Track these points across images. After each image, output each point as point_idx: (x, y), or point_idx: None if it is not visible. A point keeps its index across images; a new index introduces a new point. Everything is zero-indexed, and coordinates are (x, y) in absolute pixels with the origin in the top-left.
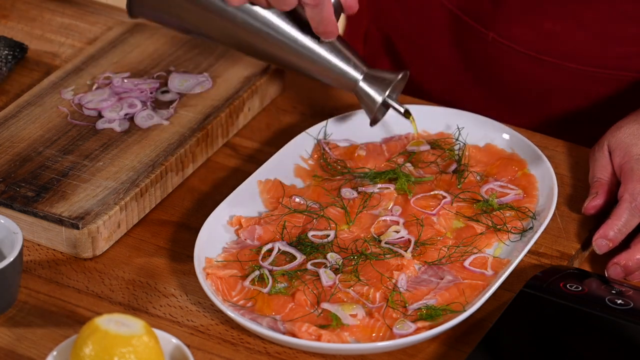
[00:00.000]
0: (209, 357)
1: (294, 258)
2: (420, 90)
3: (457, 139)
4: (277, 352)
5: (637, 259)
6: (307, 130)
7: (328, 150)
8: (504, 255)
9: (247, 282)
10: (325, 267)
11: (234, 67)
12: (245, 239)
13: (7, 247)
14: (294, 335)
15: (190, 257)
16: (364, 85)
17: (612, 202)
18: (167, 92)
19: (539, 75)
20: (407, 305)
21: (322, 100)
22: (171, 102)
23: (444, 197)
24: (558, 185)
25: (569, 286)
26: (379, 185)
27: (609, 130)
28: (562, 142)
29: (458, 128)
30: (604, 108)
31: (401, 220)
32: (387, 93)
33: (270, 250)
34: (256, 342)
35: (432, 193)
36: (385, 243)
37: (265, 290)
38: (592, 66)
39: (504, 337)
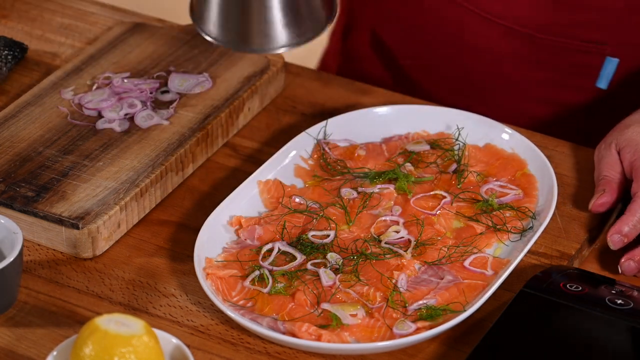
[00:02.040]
0: (209, 357)
1: (294, 258)
2: (390, 55)
3: (457, 139)
4: (277, 352)
5: None
6: (307, 130)
7: (328, 150)
8: (504, 255)
9: (247, 282)
10: (325, 267)
11: (234, 67)
12: (245, 239)
13: (7, 247)
14: (294, 335)
15: (190, 257)
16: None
17: (618, 201)
18: (167, 92)
19: (494, 39)
20: (407, 305)
21: (322, 100)
22: (171, 102)
23: (444, 197)
24: (558, 185)
25: (569, 286)
26: (379, 185)
27: (615, 128)
28: (562, 142)
29: (458, 128)
30: (555, 80)
31: (401, 220)
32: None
33: (270, 250)
34: (256, 342)
35: (432, 193)
36: (385, 243)
37: (265, 290)
38: (543, 33)
39: (504, 337)
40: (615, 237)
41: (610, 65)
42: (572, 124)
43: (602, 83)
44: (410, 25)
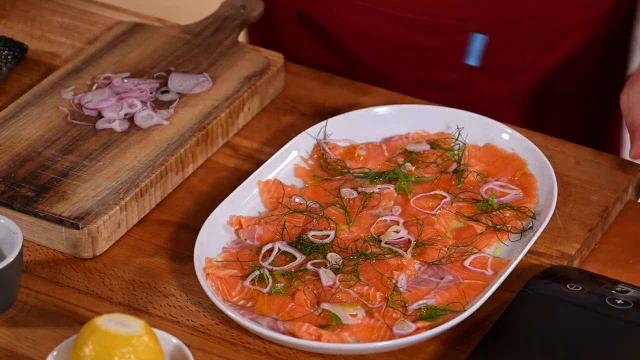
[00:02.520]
0: (209, 357)
1: (294, 258)
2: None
3: (456, 139)
4: (277, 352)
5: None
6: (307, 130)
7: (328, 150)
8: (504, 255)
9: (247, 282)
10: (325, 267)
11: (234, 67)
12: (245, 239)
13: (7, 247)
14: (294, 335)
15: (190, 257)
16: None
17: None
18: (167, 92)
19: (361, 23)
20: (407, 305)
21: (322, 100)
22: (171, 102)
23: (444, 197)
24: (558, 185)
25: (569, 286)
26: (379, 185)
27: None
28: (562, 141)
29: (458, 128)
30: (431, 60)
31: (401, 220)
32: None
33: (270, 250)
34: (256, 342)
35: (432, 193)
36: (385, 243)
37: (265, 290)
38: (410, 13)
39: (504, 337)
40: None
41: (478, 42)
42: (454, 104)
43: (472, 60)
44: (303, 13)
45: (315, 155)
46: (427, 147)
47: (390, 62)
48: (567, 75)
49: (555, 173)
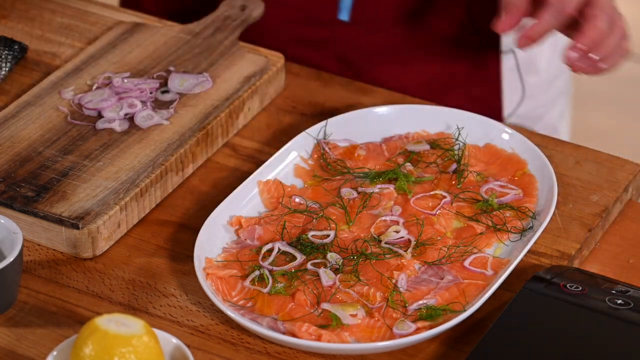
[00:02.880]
0: (209, 357)
1: (294, 258)
2: None
3: (457, 139)
4: (277, 352)
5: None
6: (307, 130)
7: (328, 150)
8: (504, 255)
9: (247, 282)
10: (325, 267)
11: (234, 67)
12: (245, 239)
13: (7, 247)
14: (294, 335)
15: (190, 257)
16: None
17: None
18: (167, 92)
19: None
20: (407, 305)
21: (322, 100)
22: (171, 102)
23: (444, 197)
24: (558, 185)
25: (569, 286)
26: (379, 185)
27: None
28: (562, 142)
29: (458, 128)
30: (302, 18)
31: (401, 220)
32: None
33: (270, 250)
34: (256, 342)
35: (432, 193)
36: (385, 243)
37: (265, 290)
38: None
39: (504, 337)
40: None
41: None
42: (334, 58)
43: (344, 15)
44: None
45: (315, 155)
46: (427, 147)
47: (271, 23)
48: (441, 21)
49: (555, 173)
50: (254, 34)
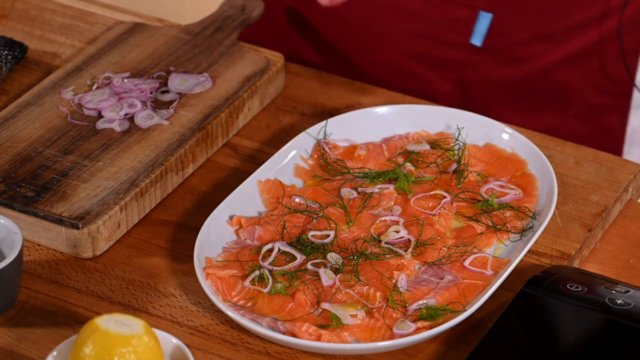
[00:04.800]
0: (209, 357)
1: (294, 258)
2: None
3: (457, 139)
4: (277, 352)
5: None
6: (307, 130)
7: (328, 150)
8: (504, 255)
9: (247, 282)
10: (325, 267)
11: (234, 67)
12: (245, 239)
13: (7, 247)
14: (294, 335)
15: (190, 257)
16: None
17: None
18: (167, 92)
19: None
20: (407, 305)
21: (322, 100)
22: (171, 102)
23: (444, 197)
24: (558, 185)
25: (569, 286)
26: (379, 185)
27: None
28: (562, 141)
29: (458, 128)
30: (430, 34)
31: (401, 220)
32: None
33: (270, 250)
34: (256, 342)
35: (432, 193)
36: (385, 243)
37: (265, 290)
38: None
39: (504, 337)
40: None
41: (484, 20)
42: (450, 81)
43: (477, 39)
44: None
45: (315, 155)
46: (427, 147)
47: (392, 32)
48: (570, 71)
49: (555, 173)
50: (373, 38)
